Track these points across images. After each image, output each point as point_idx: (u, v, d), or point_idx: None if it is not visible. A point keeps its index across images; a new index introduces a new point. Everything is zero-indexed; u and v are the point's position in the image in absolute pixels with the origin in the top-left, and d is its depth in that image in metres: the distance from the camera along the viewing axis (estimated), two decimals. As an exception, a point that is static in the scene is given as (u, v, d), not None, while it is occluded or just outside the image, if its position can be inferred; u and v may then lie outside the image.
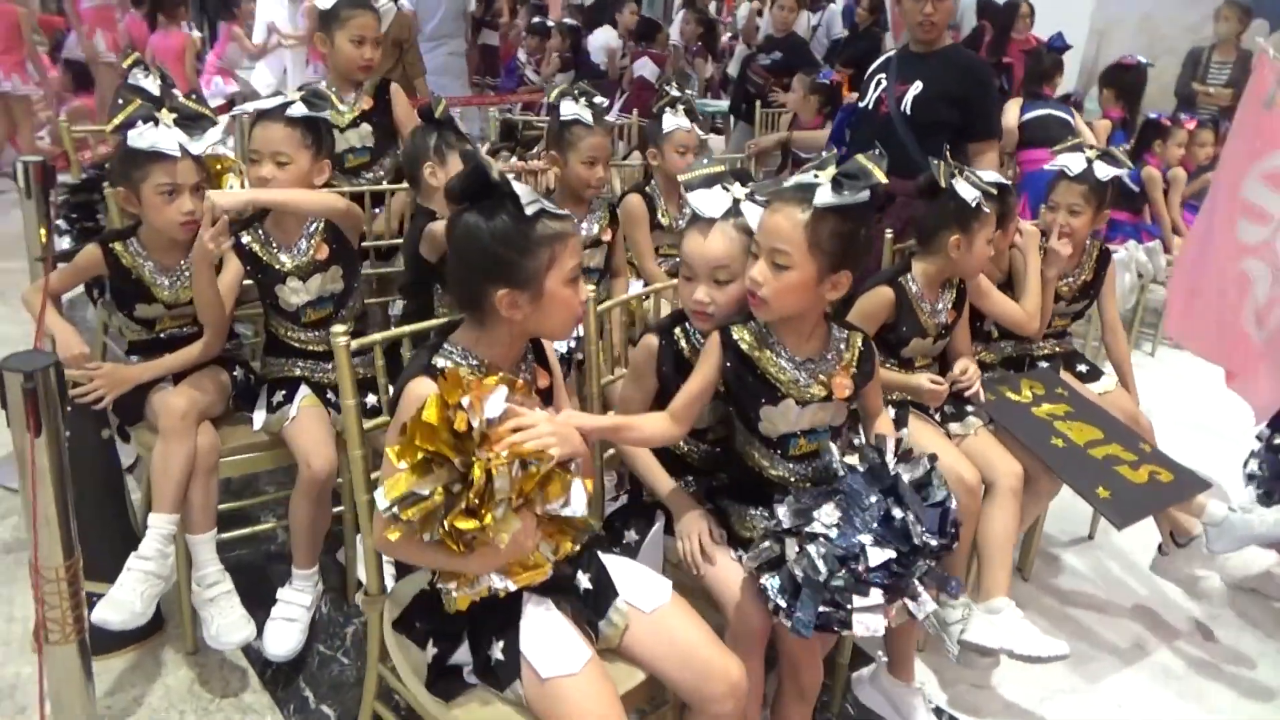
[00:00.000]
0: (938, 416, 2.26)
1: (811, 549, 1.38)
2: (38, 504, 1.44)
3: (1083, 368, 2.61)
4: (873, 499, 1.41)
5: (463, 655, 1.40)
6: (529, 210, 1.32)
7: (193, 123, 1.95)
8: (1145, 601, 2.56)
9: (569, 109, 2.46)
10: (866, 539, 1.37)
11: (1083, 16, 8.11)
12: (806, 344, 1.63)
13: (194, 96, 2.02)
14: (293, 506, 2.01)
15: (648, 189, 2.86)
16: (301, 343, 2.10)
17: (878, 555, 1.36)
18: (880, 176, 1.50)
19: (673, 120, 2.78)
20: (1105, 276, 2.62)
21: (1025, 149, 4.21)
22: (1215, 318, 2.65)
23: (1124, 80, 4.69)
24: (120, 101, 1.97)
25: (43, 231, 2.49)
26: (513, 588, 1.39)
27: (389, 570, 1.64)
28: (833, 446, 1.54)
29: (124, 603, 1.82)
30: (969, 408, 2.27)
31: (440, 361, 1.39)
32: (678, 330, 1.78)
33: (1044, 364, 2.55)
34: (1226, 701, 2.22)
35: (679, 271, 1.74)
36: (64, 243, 2.61)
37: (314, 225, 2.08)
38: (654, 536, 1.74)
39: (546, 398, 1.52)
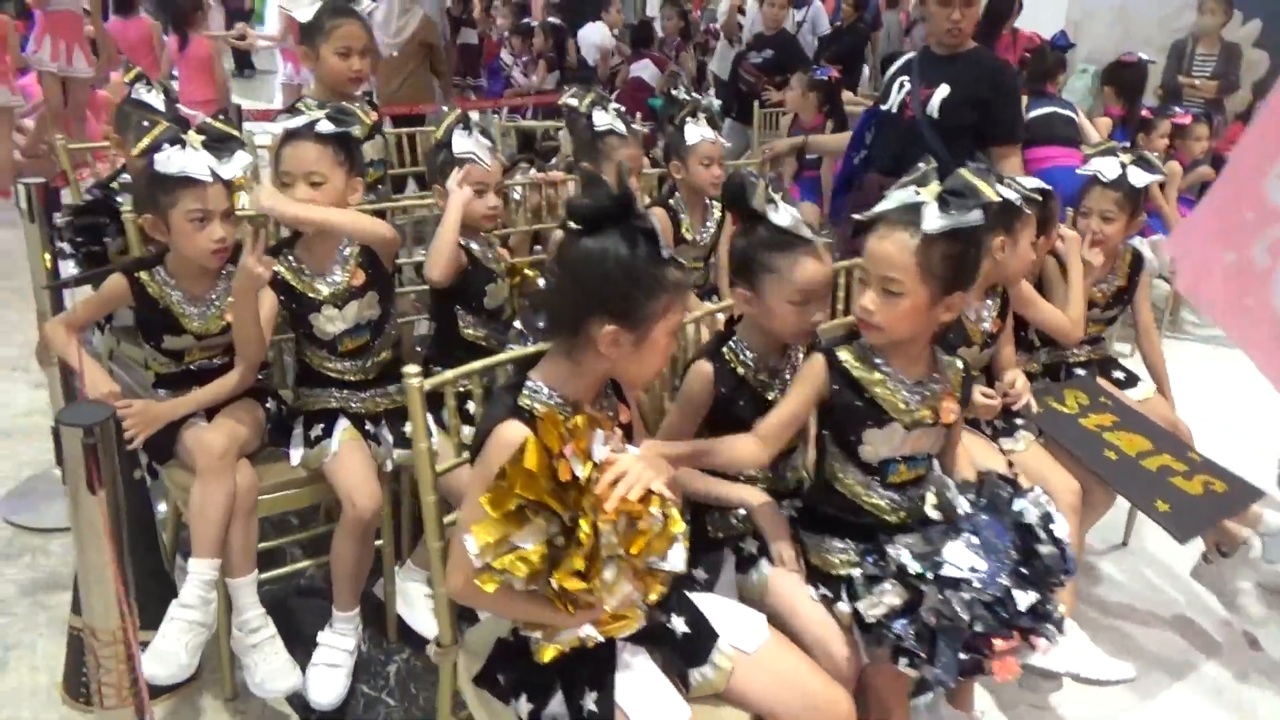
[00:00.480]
0: (988, 431, 2.23)
1: (955, 595, 1.32)
2: (90, 562, 1.35)
3: (1119, 374, 2.59)
4: (1006, 539, 1.37)
5: (557, 707, 1.33)
6: (664, 253, 1.27)
7: (221, 145, 1.86)
8: (1186, 611, 2.54)
9: (602, 119, 2.39)
10: (1007, 581, 1.33)
11: (1058, 8, 8.16)
12: (914, 366, 1.59)
13: (222, 116, 1.91)
14: (336, 546, 1.93)
15: (671, 202, 2.80)
16: (338, 372, 2.01)
17: (1024, 599, 1.32)
18: (990, 194, 1.45)
19: (696, 131, 2.70)
20: (1139, 281, 2.60)
21: (1030, 147, 4.19)
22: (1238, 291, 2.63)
23: (1124, 78, 4.70)
24: (144, 124, 1.85)
25: (46, 257, 2.39)
26: (601, 638, 1.32)
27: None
28: (949, 481, 1.49)
29: (169, 655, 1.73)
30: (1019, 421, 2.24)
31: (525, 401, 1.31)
32: (725, 350, 1.72)
33: (1080, 371, 2.53)
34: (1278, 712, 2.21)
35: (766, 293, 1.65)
36: (68, 267, 2.50)
37: (348, 250, 1.99)
38: (726, 576, 1.68)
39: (628, 433, 1.46)
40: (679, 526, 1.25)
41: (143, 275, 1.91)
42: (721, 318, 1.96)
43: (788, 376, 1.70)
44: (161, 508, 2.20)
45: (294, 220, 1.89)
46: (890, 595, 1.39)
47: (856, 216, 1.58)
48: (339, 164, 1.92)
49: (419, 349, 2.48)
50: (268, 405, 2.03)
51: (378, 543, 2.08)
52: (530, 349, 1.48)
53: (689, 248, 2.84)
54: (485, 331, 2.22)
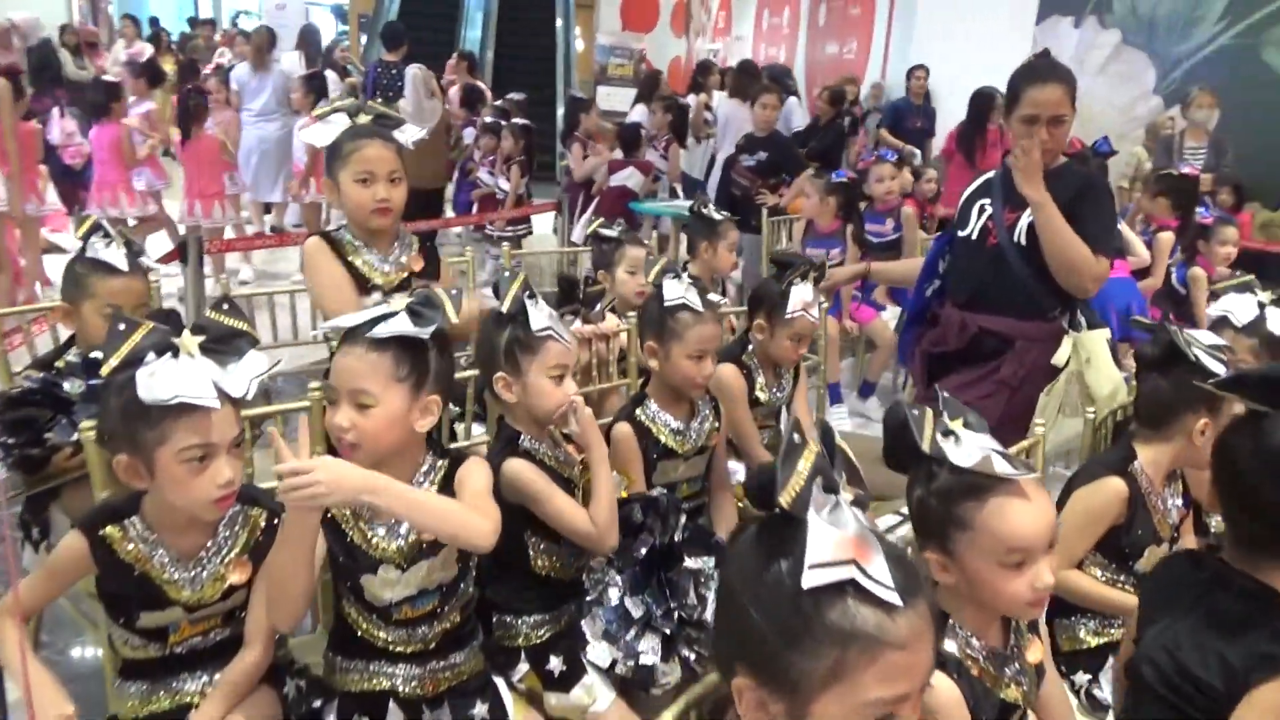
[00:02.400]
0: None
1: None
2: None
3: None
4: None
5: None
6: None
7: (226, 347, 1.36)
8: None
9: (673, 291, 1.94)
10: None
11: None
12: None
13: (227, 306, 1.41)
14: None
15: (744, 358, 2.37)
16: (388, 643, 1.48)
17: None
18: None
19: (800, 297, 2.27)
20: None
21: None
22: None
23: (1181, 188, 4.51)
24: (120, 328, 1.32)
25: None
26: None
27: None
28: None
29: None
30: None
31: None
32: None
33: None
34: None
35: None
36: (-2, 474, 1.93)
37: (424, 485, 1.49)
38: None
39: None
40: None
41: (109, 530, 1.38)
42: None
43: None
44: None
45: (351, 499, 1.32)
46: None
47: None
48: (397, 380, 1.40)
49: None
50: (286, 690, 1.49)
51: None
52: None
53: (760, 408, 2.42)
54: (560, 561, 1.74)
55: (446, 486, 1.46)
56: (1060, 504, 1.84)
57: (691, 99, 7.51)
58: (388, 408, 1.38)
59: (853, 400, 4.47)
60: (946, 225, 5.90)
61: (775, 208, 5.05)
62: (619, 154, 5.89)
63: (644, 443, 1.97)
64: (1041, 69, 2.52)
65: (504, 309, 1.68)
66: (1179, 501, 1.85)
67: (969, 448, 1.20)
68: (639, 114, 6.80)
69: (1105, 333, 2.57)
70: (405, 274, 2.14)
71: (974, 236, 2.59)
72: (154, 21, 13.62)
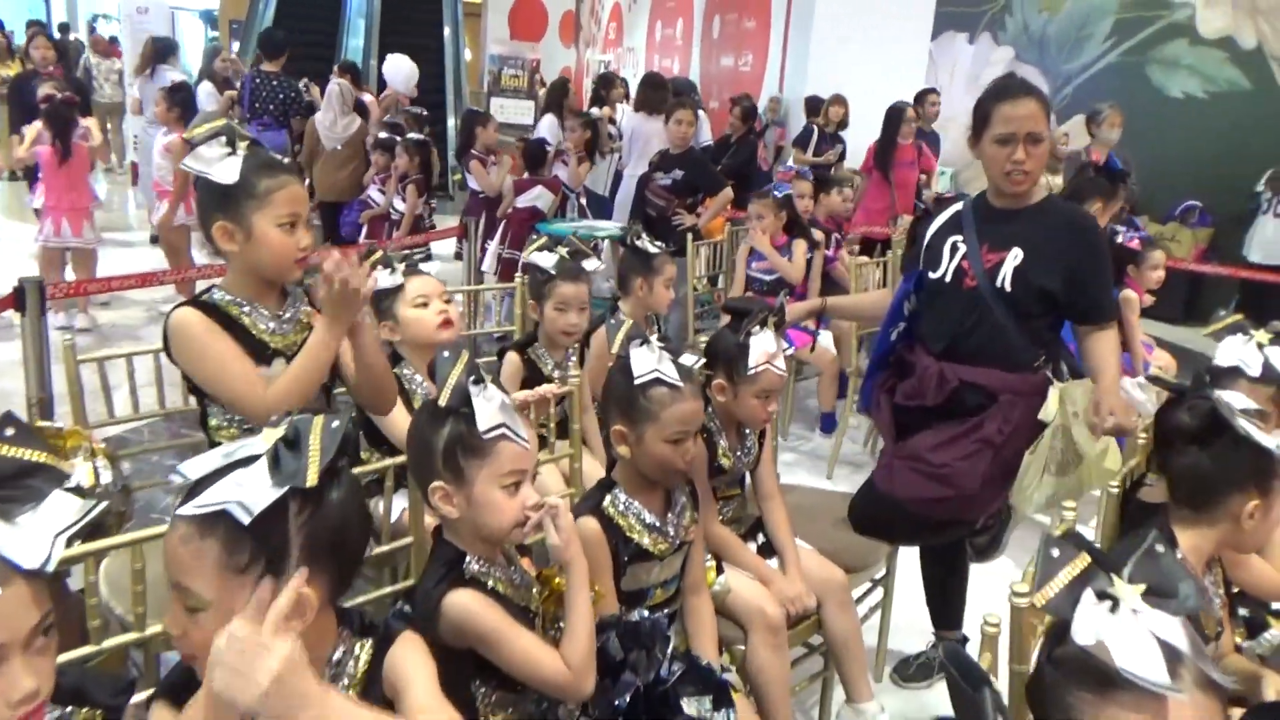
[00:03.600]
0: None
1: None
2: None
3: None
4: None
5: None
6: None
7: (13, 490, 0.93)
8: None
9: (644, 363, 1.60)
10: None
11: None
12: None
13: (11, 432, 0.98)
14: None
15: (710, 425, 2.05)
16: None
17: None
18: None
19: (763, 348, 1.97)
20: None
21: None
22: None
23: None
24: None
25: None
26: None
27: None
28: None
29: None
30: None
31: None
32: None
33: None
34: None
35: None
36: None
37: None
38: None
39: None
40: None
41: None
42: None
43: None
44: None
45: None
46: None
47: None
48: (235, 571, 0.96)
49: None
50: None
51: None
52: None
53: (723, 476, 2.11)
54: (519, 717, 1.38)
55: (375, 675, 1.08)
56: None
57: (594, 112, 7.19)
58: (222, 611, 0.94)
59: (817, 439, 4.27)
60: (868, 244, 5.89)
61: (693, 229, 4.78)
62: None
63: (613, 542, 1.63)
64: (1012, 86, 2.29)
65: (441, 401, 1.32)
66: (1221, 591, 1.63)
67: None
68: (546, 128, 6.43)
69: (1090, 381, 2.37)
70: (306, 331, 1.74)
71: (948, 279, 2.34)
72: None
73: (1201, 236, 7.22)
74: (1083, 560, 0.94)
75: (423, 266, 2.36)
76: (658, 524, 1.69)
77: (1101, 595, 0.91)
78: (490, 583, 1.36)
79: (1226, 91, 7.25)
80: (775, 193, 4.03)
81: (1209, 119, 7.29)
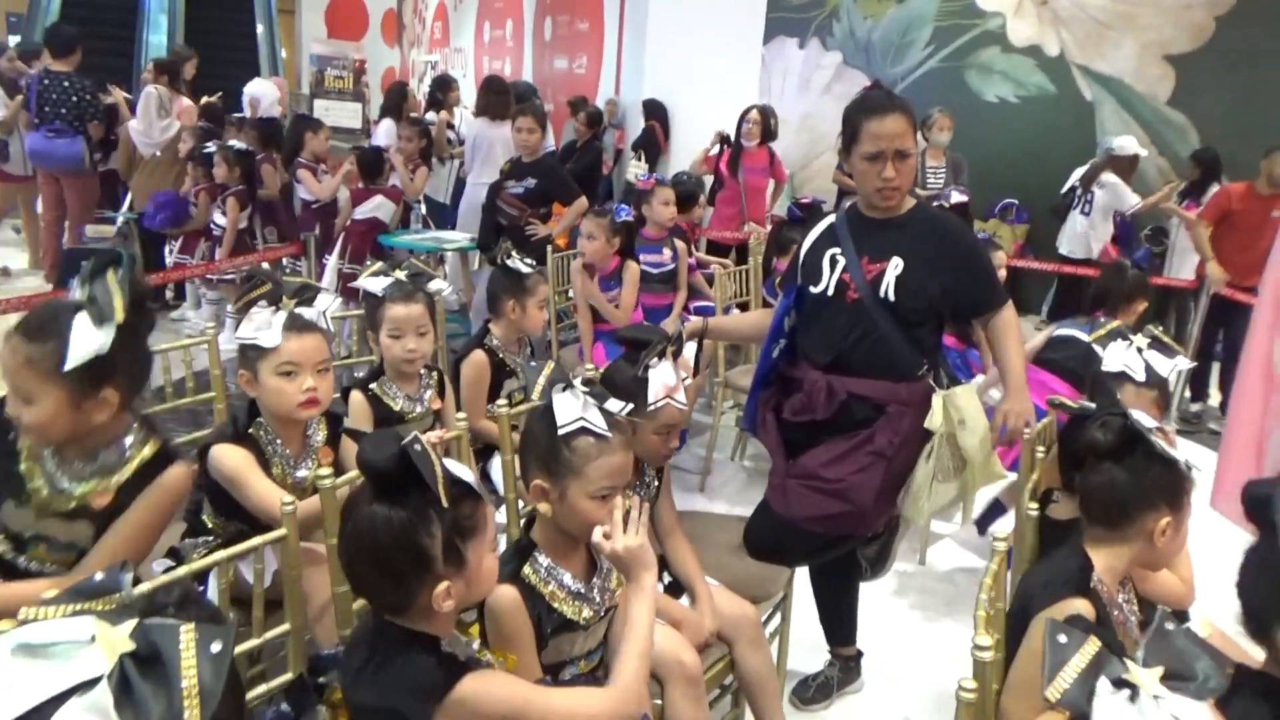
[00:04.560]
0: None
1: None
2: None
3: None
4: None
5: None
6: None
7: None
8: None
9: (568, 411, 1.42)
10: None
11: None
12: None
13: None
14: None
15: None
16: None
17: None
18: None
19: (661, 380, 1.82)
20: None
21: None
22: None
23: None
24: None
25: None
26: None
27: None
28: None
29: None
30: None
31: None
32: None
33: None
34: None
35: None
36: None
37: None
38: None
39: None
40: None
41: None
42: None
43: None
44: None
45: None
46: None
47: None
48: None
49: None
50: None
51: None
52: None
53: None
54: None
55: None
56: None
57: (431, 116, 6.87)
58: None
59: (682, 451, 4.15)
60: (716, 248, 5.88)
61: (547, 239, 4.60)
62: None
63: (535, 613, 1.45)
64: (878, 100, 2.27)
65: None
66: (1135, 608, 1.62)
67: None
68: (385, 134, 6.07)
69: (973, 386, 2.38)
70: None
71: (830, 293, 2.29)
72: None
73: (1020, 232, 7.68)
74: (1092, 645, 0.86)
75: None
76: (583, 590, 1.52)
77: (1119, 683, 0.83)
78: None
79: (1036, 95, 7.75)
80: (617, 215, 3.81)
81: (1021, 121, 7.77)
